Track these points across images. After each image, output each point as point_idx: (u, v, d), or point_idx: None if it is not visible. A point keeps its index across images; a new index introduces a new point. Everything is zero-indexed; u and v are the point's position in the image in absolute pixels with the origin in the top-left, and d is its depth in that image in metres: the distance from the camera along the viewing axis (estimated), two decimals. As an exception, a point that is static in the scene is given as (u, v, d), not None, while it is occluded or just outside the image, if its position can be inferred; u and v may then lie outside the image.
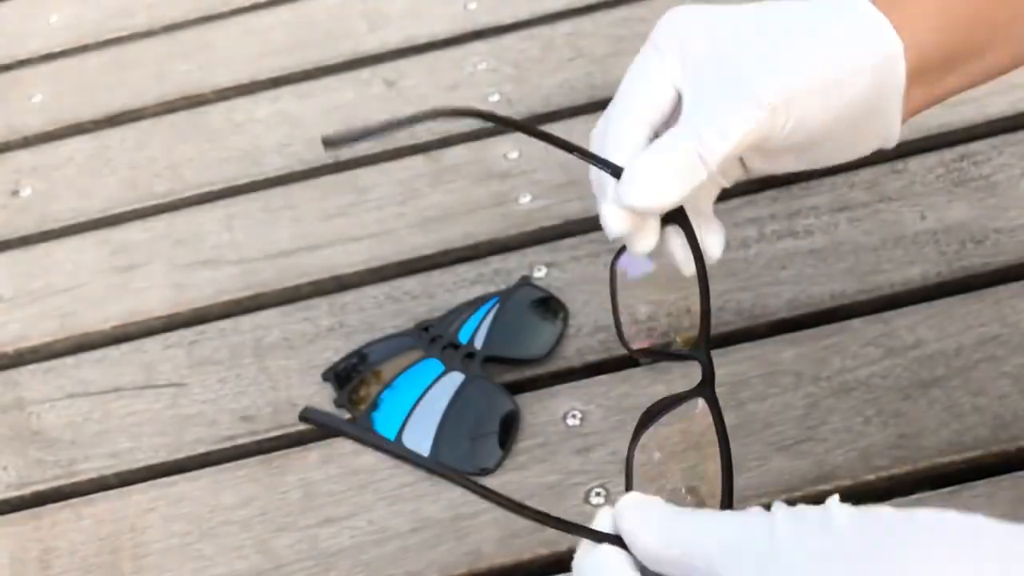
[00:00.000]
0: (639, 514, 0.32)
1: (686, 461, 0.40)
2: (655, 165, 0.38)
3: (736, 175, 0.43)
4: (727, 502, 0.37)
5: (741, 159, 0.42)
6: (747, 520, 0.30)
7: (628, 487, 0.38)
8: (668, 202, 0.38)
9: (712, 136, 0.37)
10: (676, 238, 0.41)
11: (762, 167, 0.42)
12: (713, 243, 0.42)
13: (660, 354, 0.42)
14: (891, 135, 0.40)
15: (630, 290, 0.43)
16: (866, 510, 0.29)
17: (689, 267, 0.40)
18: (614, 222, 0.39)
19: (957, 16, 0.39)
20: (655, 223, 0.40)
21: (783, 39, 0.38)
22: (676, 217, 0.40)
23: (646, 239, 0.40)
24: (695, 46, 0.39)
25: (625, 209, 0.38)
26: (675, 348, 0.43)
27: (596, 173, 0.40)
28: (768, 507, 0.31)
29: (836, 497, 0.30)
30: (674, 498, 0.39)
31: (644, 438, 0.38)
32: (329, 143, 0.35)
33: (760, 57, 0.37)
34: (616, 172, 0.38)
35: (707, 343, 0.39)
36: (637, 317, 0.44)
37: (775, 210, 0.62)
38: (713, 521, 0.31)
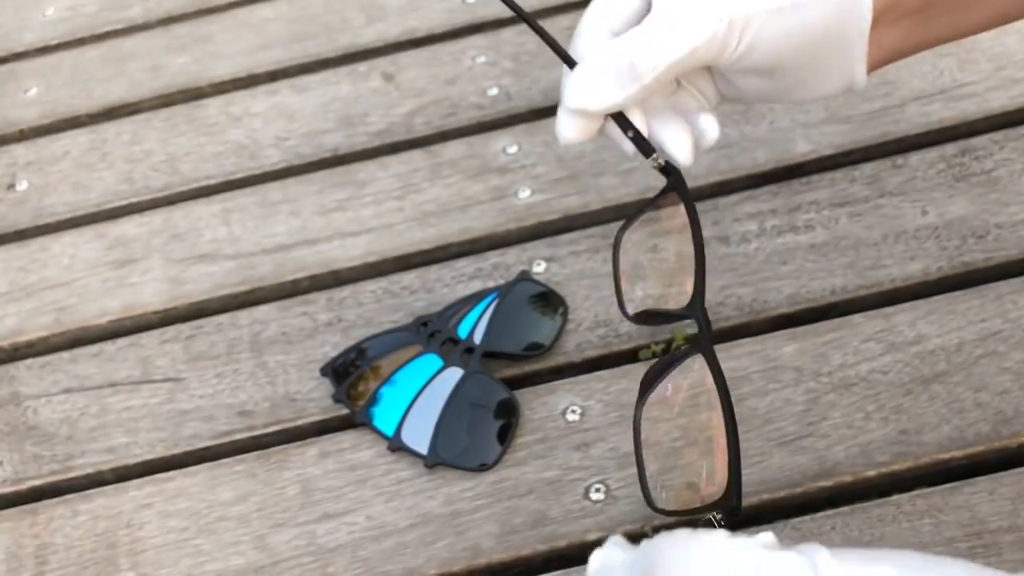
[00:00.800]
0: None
1: (701, 430, 0.40)
2: (593, 69, 0.37)
3: (711, 92, 0.43)
4: (734, 468, 0.37)
5: (712, 74, 0.42)
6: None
7: (638, 457, 0.38)
8: (603, 106, 0.38)
9: (652, 48, 0.37)
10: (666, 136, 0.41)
11: (726, 90, 0.42)
12: (702, 127, 0.41)
13: (656, 315, 0.42)
14: (857, 76, 0.40)
15: (632, 262, 0.43)
16: (844, 557, 0.28)
17: (678, 151, 0.40)
18: (563, 125, 0.39)
19: None
20: (615, 130, 0.40)
21: None
22: (618, 121, 0.39)
23: (622, 144, 0.40)
24: None
25: (571, 112, 0.38)
26: (671, 309, 0.43)
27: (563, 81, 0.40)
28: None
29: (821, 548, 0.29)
30: (686, 474, 0.39)
31: (650, 407, 0.38)
32: None
33: None
34: (572, 65, 0.39)
35: (701, 299, 0.40)
36: (636, 284, 0.44)
37: (775, 205, 0.62)
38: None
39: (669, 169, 0.41)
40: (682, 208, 0.40)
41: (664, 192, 0.41)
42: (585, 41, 0.39)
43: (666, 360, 0.40)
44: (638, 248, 0.42)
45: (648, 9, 0.39)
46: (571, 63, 0.39)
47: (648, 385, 0.39)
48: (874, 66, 0.40)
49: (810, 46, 0.38)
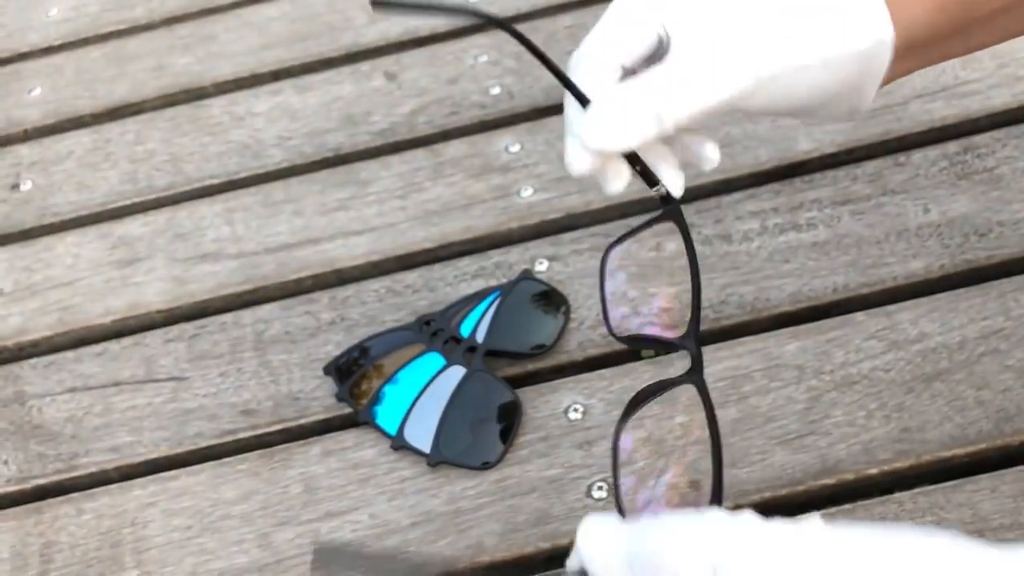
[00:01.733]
0: (593, 536, 0.32)
1: (686, 455, 0.40)
2: (614, 112, 0.37)
3: (716, 122, 0.42)
4: (716, 494, 0.37)
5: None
6: (705, 527, 0.30)
7: (615, 475, 0.37)
8: (622, 148, 0.37)
9: (678, 99, 0.36)
10: (665, 172, 0.40)
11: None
12: (706, 155, 0.41)
13: (647, 341, 0.42)
14: (862, 107, 0.40)
15: (621, 279, 0.42)
16: (837, 526, 0.29)
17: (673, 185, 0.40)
18: (575, 159, 0.38)
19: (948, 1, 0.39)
20: (620, 166, 0.39)
21: (778, 12, 0.37)
22: (628, 157, 0.39)
23: (614, 182, 0.39)
24: None
25: (588, 150, 0.37)
26: (664, 336, 0.42)
27: (567, 107, 0.39)
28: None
29: (815, 515, 0.30)
30: (674, 493, 0.39)
31: (638, 429, 0.38)
32: (376, 3, 0.34)
33: (753, 26, 0.37)
34: (584, 103, 0.38)
35: (696, 331, 0.39)
36: (627, 305, 0.43)
37: (777, 203, 0.62)
38: (668, 530, 0.30)
39: (669, 199, 0.40)
40: (677, 234, 0.40)
41: (659, 219, 0.41)
42: (593, 73, 0.38)
43: (654, 387, 0.39)
44: (627, 269, 0.41)
45: (661, 45, 0.38)
46: (584, 101, 0.37)
47: (631, 410, 0.38)
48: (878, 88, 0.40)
49: (827, 95, 0.38)
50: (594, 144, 0.37)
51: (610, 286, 0.42)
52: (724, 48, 0.36)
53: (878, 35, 0.37)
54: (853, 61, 0.37)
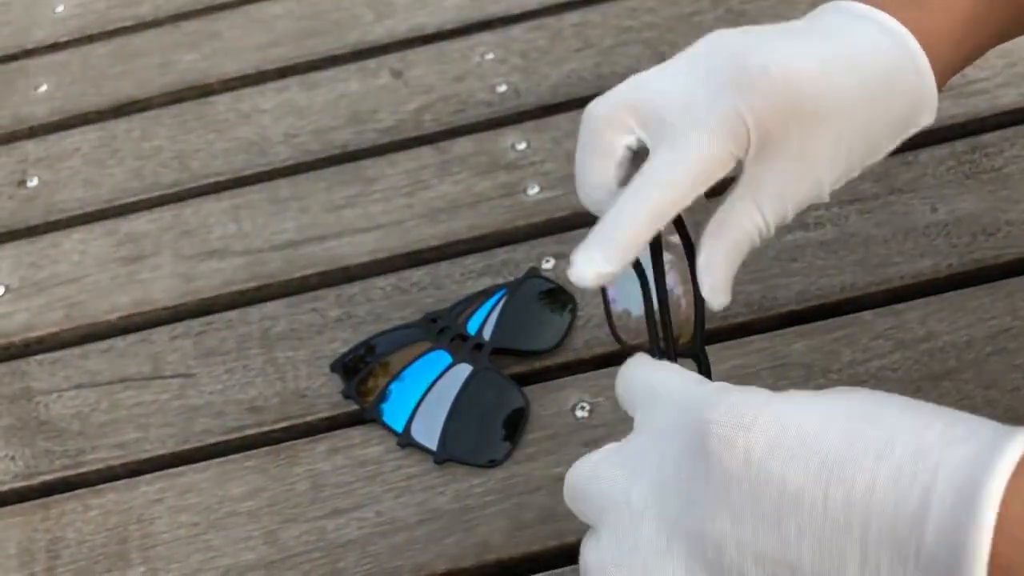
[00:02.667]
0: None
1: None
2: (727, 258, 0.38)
3: None
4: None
5: None
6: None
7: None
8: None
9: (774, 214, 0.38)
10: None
11: None
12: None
13: (655, 351, 0.42)
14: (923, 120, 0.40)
15: (625, 282, 0.42)
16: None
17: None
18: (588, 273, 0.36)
19: (976, 32, 0.39)
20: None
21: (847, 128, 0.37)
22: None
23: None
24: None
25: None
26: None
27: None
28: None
29: None
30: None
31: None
32: None
33: (829, 161, 0.37)
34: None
35: (702, 338, 0.40)
36: (628, 311, 0.43)
37: (785, 202, 0.62)
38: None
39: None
40: (678, 241, 0.40)
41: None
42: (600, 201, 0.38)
43: None
44: (629, 272, 0.41)
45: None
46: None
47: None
48: None
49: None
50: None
51: (612, 291, 0.42)
52: (807, 169, 0.38)
53: (929, 104, 0.38)
54: (905, 134, 0.39)
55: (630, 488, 0.32)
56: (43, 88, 0.80)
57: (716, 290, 0.37)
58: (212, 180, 0.71)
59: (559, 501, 0.53)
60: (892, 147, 0.39)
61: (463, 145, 0.69)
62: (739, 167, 0.37)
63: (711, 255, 0.37)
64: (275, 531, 0.54)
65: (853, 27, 0.38)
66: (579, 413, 0.55)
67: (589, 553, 0.33)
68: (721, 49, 0.37)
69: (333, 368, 0.59)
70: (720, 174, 0.36)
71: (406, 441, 0.55)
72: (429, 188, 0.68)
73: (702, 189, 0.36)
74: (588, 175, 0.38)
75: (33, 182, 0.73)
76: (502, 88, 0.72)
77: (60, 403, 0.61)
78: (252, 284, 0.65)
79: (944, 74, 0.39)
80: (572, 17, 0.76)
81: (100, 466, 0.58)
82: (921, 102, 0.38)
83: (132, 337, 0.63)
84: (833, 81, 0.36)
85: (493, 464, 0.54)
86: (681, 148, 0.35)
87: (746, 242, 0.38)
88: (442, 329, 0.59)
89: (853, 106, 0.36)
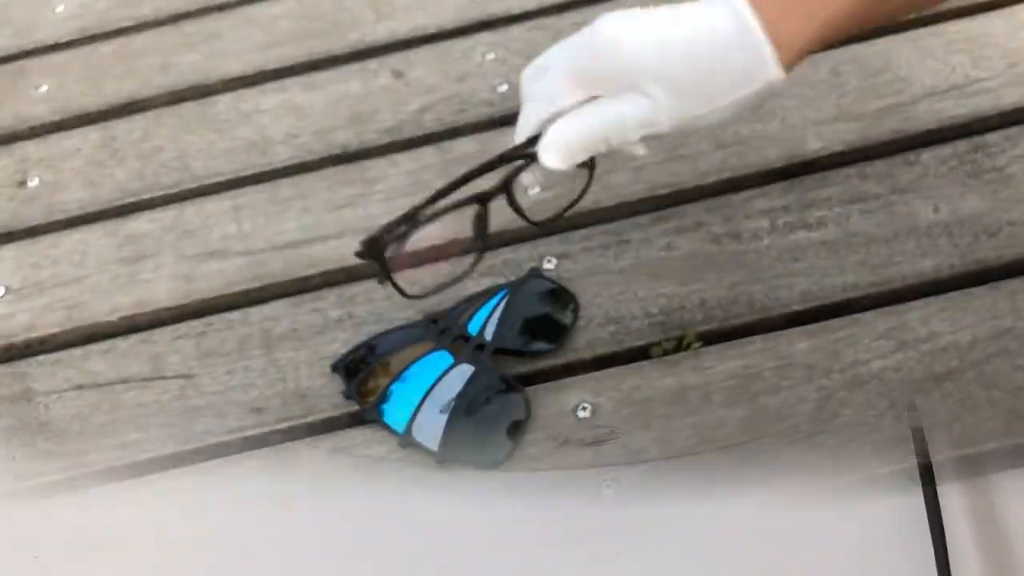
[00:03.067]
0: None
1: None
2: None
3: None
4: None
5: None
6: None
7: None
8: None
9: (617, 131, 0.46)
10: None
11: None
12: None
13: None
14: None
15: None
16: None
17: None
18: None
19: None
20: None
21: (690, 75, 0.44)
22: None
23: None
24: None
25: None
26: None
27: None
28: None
29: None
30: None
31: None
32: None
33: (668, 92, 0.44)
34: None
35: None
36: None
37: (787, 202, 0.62)
38: None
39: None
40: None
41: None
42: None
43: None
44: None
45: None
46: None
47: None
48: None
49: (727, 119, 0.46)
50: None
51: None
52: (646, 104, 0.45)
53: (770, 78, 0.44)
54: (750, 99, 0.45)
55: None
56: (44, 88, 0.80)
57: (547, 147, 0.49)
58: (213, 180, 0.71)
59: (562, 502, 0.53)
60: (733, 99, 0.44)
61: (464, 145, 0.69)
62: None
63: (557, 128, 0.48)
64: (276, 532, 0.54)
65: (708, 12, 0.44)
66: (581, 413, 0.55)
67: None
68: (599, 23, 0.48)
69: (334, 369, 0.59)
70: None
71: (407, 442, 0.55)
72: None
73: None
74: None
75: (34, 182, 0.73)
76: (503, 88, 0.72)
77: (61, 404, 0.61)
78: (253, 284, 0.65)
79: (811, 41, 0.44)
80: (573, 17, 0.76)
81: (101, 467, 0.58)
82: (757, 72, 0.44)
83: (133, 338, 0.63)
84: (665, 62, 0.44)
85: (495, 465, 0.54)
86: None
87: (588, 133, 0.47)
88: (443, 330, 0.59)
89: (677, 78, 0.44)
